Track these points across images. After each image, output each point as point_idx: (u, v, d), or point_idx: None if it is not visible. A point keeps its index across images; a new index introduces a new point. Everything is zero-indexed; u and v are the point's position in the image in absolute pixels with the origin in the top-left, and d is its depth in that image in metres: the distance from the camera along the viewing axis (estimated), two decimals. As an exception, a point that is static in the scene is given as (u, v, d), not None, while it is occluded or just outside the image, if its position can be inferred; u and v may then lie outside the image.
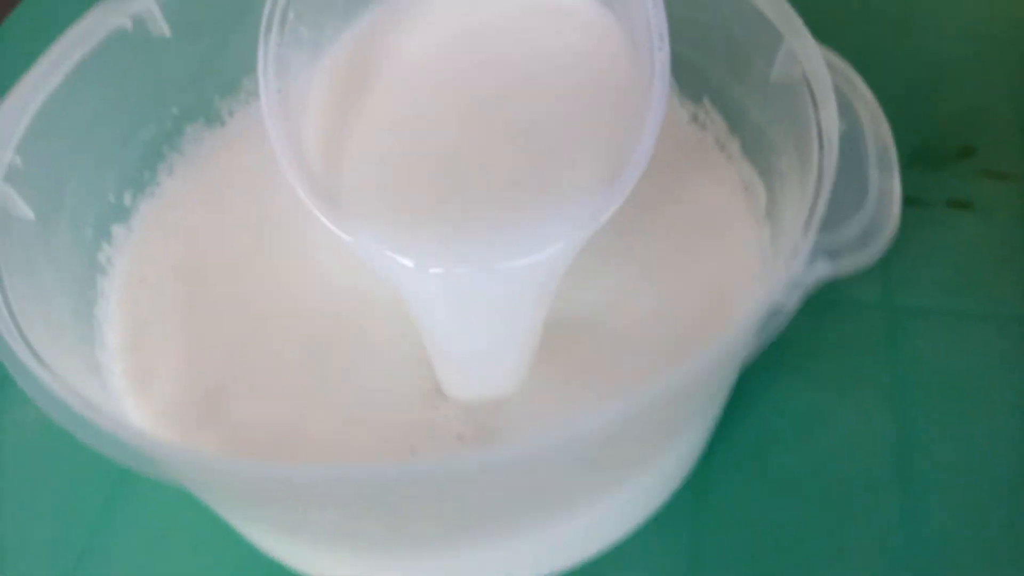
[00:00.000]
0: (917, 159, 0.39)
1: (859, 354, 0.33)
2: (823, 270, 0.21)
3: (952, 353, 0.33)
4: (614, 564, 0.28)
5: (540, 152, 0.24)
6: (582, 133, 0.25)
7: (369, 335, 0.29)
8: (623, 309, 0.29)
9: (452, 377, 0.27)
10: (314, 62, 0.27)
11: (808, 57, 0.26)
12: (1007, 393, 0.32)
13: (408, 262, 0.24)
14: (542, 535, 0.26)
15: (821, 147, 0.24)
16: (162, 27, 0.31)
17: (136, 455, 0.20)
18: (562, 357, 0.27)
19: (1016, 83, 0.42)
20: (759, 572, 0.28)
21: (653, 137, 0.23)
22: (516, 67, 0.26)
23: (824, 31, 0.27)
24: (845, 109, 0.25)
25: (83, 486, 0.31)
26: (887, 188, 0.23)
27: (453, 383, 0.27)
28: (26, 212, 0.26)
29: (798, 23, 0.27)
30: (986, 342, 0.33)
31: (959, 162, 0.39)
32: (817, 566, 0.28)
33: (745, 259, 0.29)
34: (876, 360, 0.33)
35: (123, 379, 0.28)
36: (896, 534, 0.29)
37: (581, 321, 0.29)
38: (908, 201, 0.23)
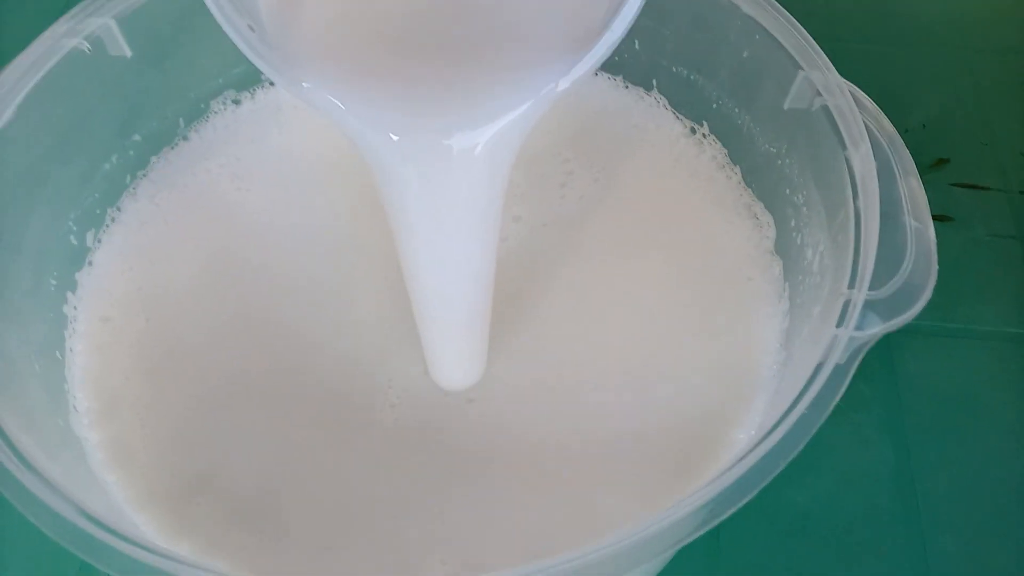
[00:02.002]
0: (893, 170, 0.39)
1: (853, 378, 0.33)
2: (877, 329, 0.21)
3: (941, 373, 0.34)
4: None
5: (511, 12, 0.22)
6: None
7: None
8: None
9: (435, 346, 0.27)
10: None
11: (832, 92, 0.26)
12: (997, 412, 0.33)
13: (384, 131, 0.22)
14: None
15: (855, 192, 0.24)
16: (122, 47, 0.28)
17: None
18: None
19: (986, 92, 0.42)
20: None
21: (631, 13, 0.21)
22: None
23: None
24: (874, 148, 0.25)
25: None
26: (924, 239, 0.23)
27: (436, 358, 0.27)
28: (-17, 267, 0.23)
29: (818, 53, 0.26)
30: (973, 361, 0.34)
31: (935, 173, 0.40)
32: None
33: (759, 301, 0.28)
34: (869, 383, 0.33)
35: (100, 451, 0.25)
36: (904, 564, 0.29)
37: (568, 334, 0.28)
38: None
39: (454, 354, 0.27)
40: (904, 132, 0.40)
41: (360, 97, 0.21)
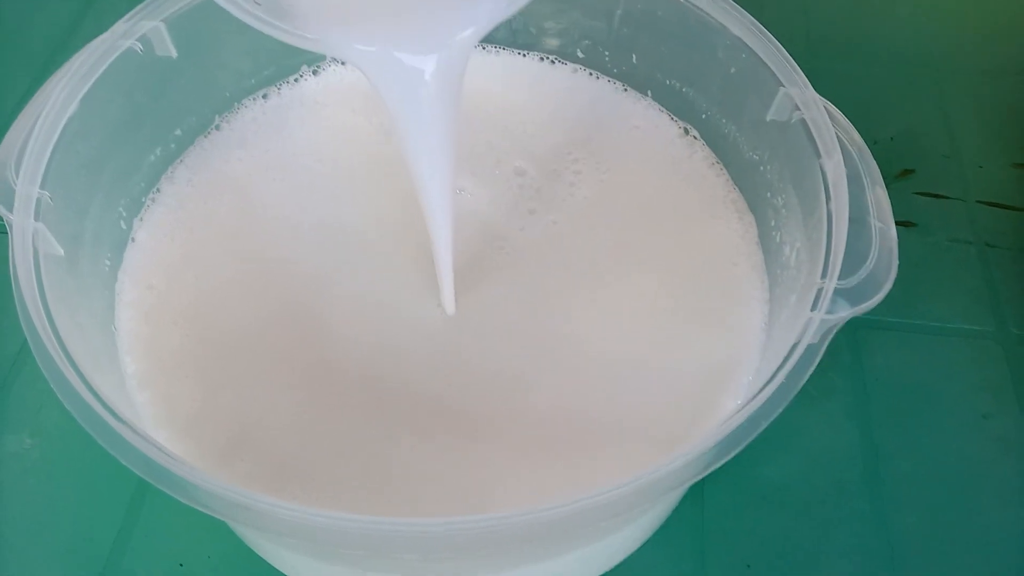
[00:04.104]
0: (862, 180, 0.43)
1: (823, 368, 0.36)
2: (845, 313, 0.24)
3: (904, 365, 0.37)
4: (630, 572, 0.31)
5: None
6: None
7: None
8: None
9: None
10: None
11: (809, 106, 0.29)
12: (954, 400, 0.36)
13: (372, 49, 0.26)
14: (560, 561, 0.28)
15: (828, 196, 0.27)
16: (169, 48, 0.31)
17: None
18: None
19: (949, 110, 0.46)
20: (757, 573, 0.31)
21: None
22: None
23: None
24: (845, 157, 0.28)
25: (94, 511, 0.31)
26: (887, 238, 0.26)
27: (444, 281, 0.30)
28: (56, 249, 0.26)
29: (797, 71, 0.29)
30: (933, 354, 0.37)
31: (901, 182, 0.43)
32: (805, 565, 0.31)
33: (745, 288, 0.31)
34: (839, 373, 0.36)
35: (148, 407, 0.27)
36: (868, 534, 0.32)
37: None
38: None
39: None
40: (874, 144, 0.44)
41: (351, 39, 0.26)
